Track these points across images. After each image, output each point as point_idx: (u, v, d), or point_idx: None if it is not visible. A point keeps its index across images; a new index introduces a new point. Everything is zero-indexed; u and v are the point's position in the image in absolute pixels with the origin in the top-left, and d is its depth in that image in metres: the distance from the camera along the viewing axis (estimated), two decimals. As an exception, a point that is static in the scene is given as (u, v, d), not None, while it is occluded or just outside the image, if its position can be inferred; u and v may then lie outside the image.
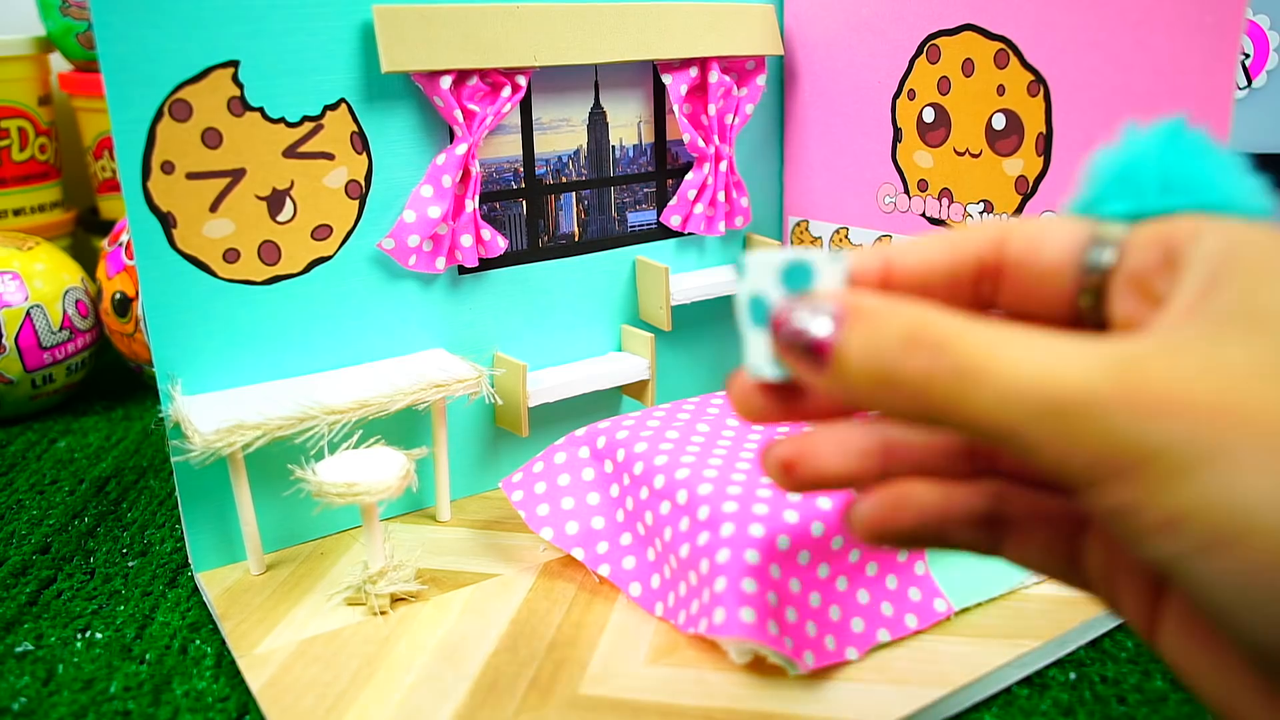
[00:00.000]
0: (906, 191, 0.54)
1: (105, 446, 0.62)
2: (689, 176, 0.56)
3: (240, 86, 0.42)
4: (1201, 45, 0.40)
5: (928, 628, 0.39)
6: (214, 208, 0.43)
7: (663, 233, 0.57)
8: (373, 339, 0.48)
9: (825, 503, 0.39)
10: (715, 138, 0.55)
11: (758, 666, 0.37)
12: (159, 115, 0.41)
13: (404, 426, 0.49)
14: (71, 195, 0.93)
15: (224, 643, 0.40)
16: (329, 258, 0.46)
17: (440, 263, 0.48)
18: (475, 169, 0.48)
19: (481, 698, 0.36)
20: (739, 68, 0.56)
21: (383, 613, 0.41)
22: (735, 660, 0.37)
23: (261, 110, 0.43)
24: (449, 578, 0.44)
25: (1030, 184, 0.48)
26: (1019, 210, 0.48)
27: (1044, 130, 0.47)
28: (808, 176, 0.59)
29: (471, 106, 0.47)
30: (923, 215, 0.53)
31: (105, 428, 0.65)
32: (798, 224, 0.61)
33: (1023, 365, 0.18)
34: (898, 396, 0.20)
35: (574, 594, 0.42)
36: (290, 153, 0.44)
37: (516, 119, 0.50)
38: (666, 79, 0.53)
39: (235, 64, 0.42)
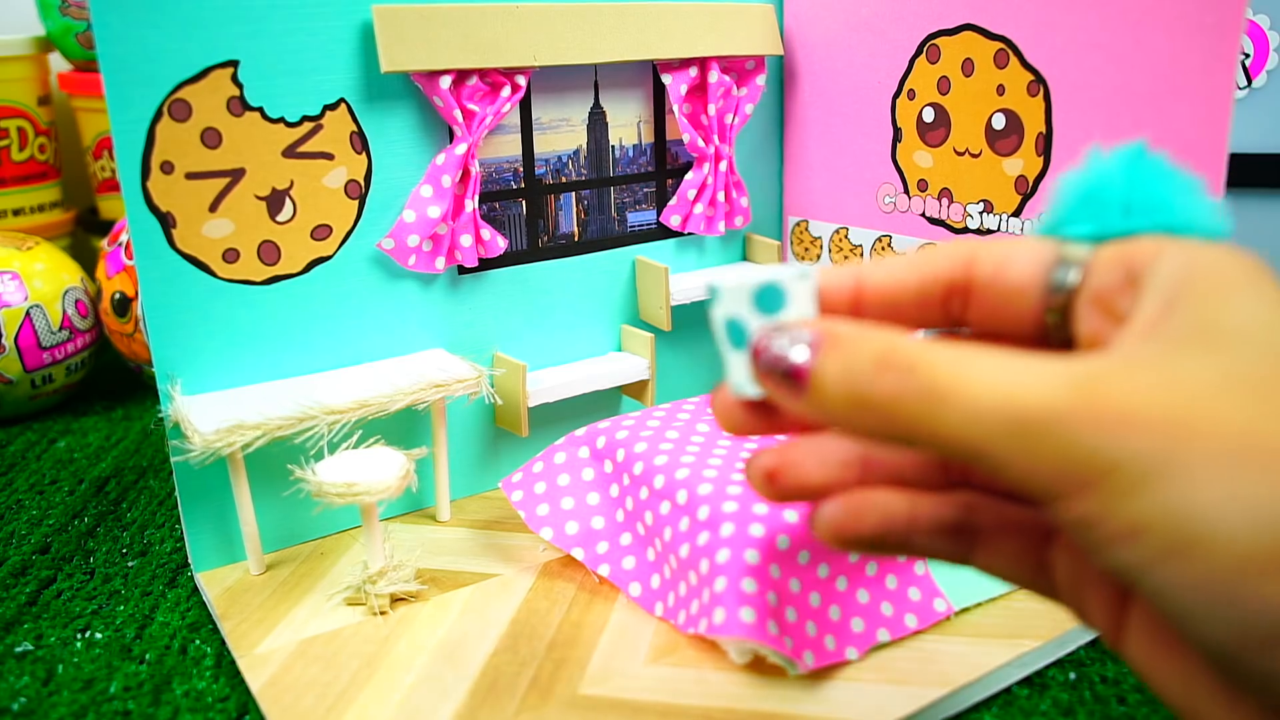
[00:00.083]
0: (906, 191, 0.54)
1: (105, 446, 0.62)
2: (689, 176, 0.56)
3: (240, 86, 0.42)
4: (1201, 45, 0.40)
5: (928, 627, 0.39)
6: (213, 208, 0.43)
7: (662, 233, 0.57)
8: (372, 339, 0.48)
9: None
10: (715, 138, 0.55)
11: (758, 666, 0.37)
12: (158, 115, 0.41)
13: (404, 426, 0.49)
14: (71, 195, 0.93)
15: (224, 643, 0.40)
16: (329, 258, 0.46)
17: (440, 263, 0.48)
18: (475, 169, 0.48)
19: (481, 698, 0.36)
20: (739, 68, 0.56)
21: (383, 613, 0.41)
22: (735, 660, 0.37)
23: (261, 110, 0.43)
24: (449, 578, 0.44)
25: (1030, 184, 0.48)
26: (1019, 210, 0.48)
27: (1044, 130, 0.47)
28: (807, 176, 0.59)
29: (471, 106, 0.47)
30: (922, 215, 0.53)
31: (105, 428, 0.65)
32: (797, 224, 0.61)
33: (988, 384, 0.19)
34: (871, 418, 0.21)
35: (574, 594, 0.42)
36: (290, 153, 0.44)
37: (516, 119, 0.50)
38: (666, 79, 0.53)
39: (235, 64, 0.42)
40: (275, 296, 0.45)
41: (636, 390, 0.56)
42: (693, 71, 0.54)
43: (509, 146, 0.51)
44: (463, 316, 0.50)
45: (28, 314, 0.63)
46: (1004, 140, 0.48)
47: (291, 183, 0.44)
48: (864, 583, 0.39)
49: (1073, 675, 0.38)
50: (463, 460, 0.52)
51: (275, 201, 0.44)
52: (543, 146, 0.52)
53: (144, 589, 0.45)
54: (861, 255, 0.57)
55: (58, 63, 0.89)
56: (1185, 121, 0.41)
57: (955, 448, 0.20)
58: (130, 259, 0.64)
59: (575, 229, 0.54)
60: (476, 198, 0.48)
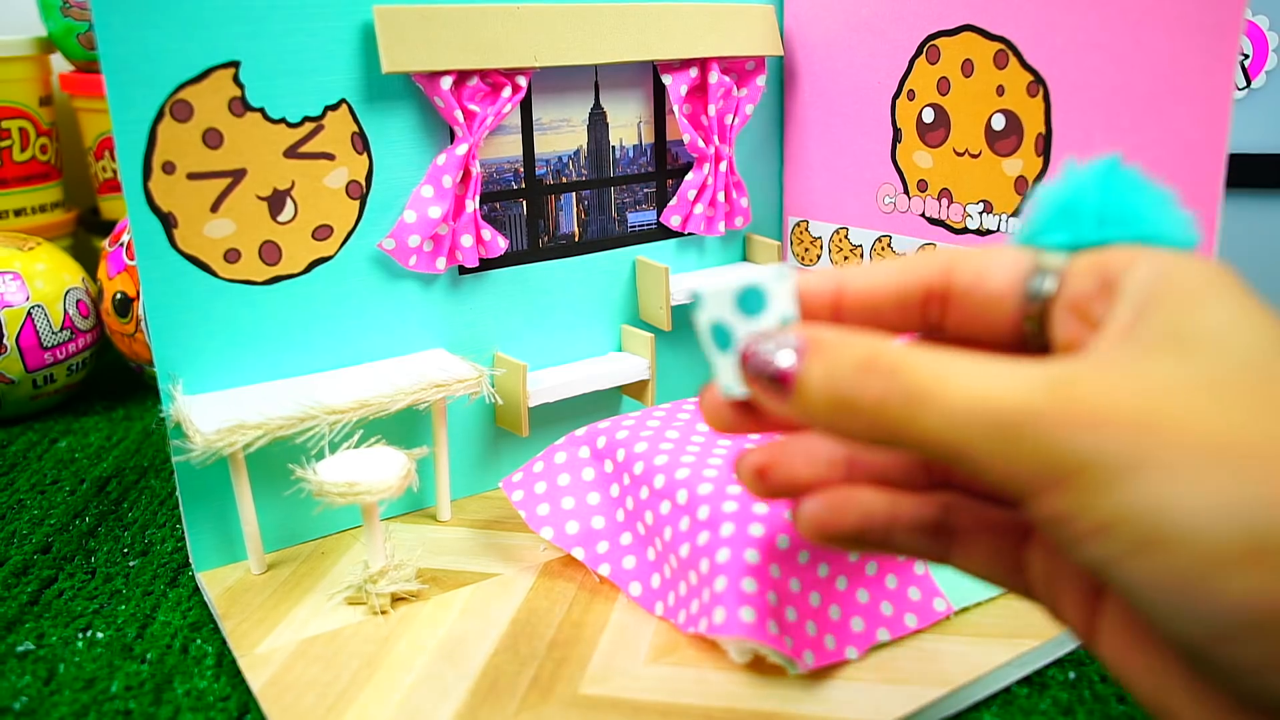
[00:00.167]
0: (906, 192, 0.54)
1: (106, 446, 0.62)
2: (689, 177, 0.56)
3: (241, 87, 0.42)
4: (1201, 45, 0.40)
5: (927, 627, 0.39)
6: (215, 208, 0.43)
7: (663, 233, 0.57)
8: (373, 339, 0.48)
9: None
10: (715, 138, 0.55)
11: (758, 666, 0.37)
12: (160, 115, 0.41)
13: (404, 426, 0.49)
14: (72, 195, 0.93)
15: (225, 642, 0.40)
16: (330, 258, 0.46)
17: (441, 263, 0.48)
18: (475, 169, 0.48)
19: (482, 697, 0.36)
20: (739, 68, 0.56)
21: (383, 612, 0.41)
22: (735, 659, 0.37)
23: (262, 111, 0.43)
24: (449, 577, 0.44)
25: (1030, 184, 0.48)
26: (1019, 210, 0.49)
27: (1043, 130, 0.47)
28: (807, 177, 0.60)
29: (472, 107, 0.47)
30: (922, 215, 0.53)
31: (106, 427, 0.65)
32: (797, 224, 0.61)
33: (967, 386, 0.20)
34: (855, 420, 0.21)
35: (574, 593, 0.42)
36: (291, 153, 0.44)
37: (517, 119, 0.50)
38: (666, 79, 0.53)
39: (236, 64, 0.42)
40: (276, 296, 0.45)
41: (636, 390, 0.56)
42: (693, 72, 0.54)
43: (510, 147, 0.51)
44: (463, 316, 0.50)
45: (29, 314, 0.64)
46: (1004, 141, 0.49)
47: (293, 183, 0.44)
48: (864, 582, 0.39)
49: (1072, 675, 0.38)
50: (463, 460, 0.52)
51: (276, 202, 0.44)
52: (543, 147, 0.52)
53: (145, 588, 0.45)
54: (861, 255, 0.57)
55: (59, 63, 0.89)
56: (1185, 122, 0.41)
57: (936, 448, 0.20)
58: (131, 259, 0.64)
59: (576, 229, 0.54)
60: (477, 198, 0.48)
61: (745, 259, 0.61)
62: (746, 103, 0.56)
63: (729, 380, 0.24)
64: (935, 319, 0.24)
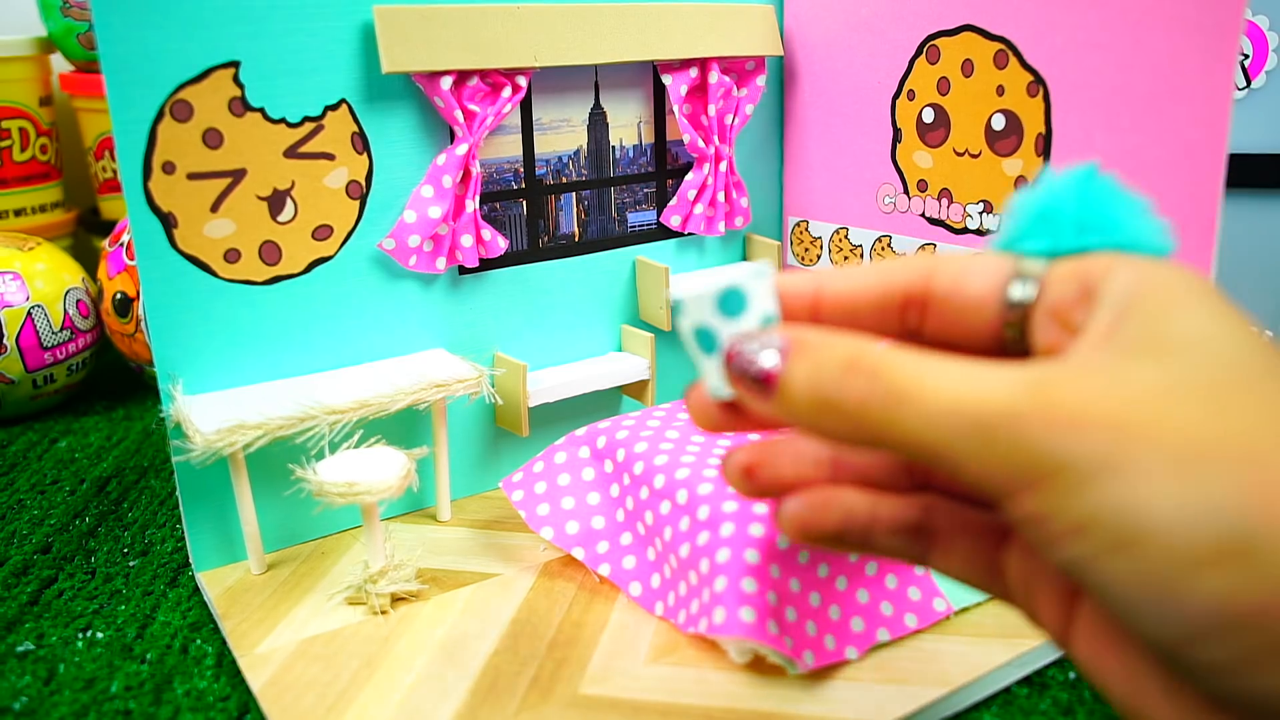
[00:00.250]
0: (906, 192, 0.54)
1: (106, 446, 0.62)
2: (689, 177, 0.56)
3: (241, 87, 0.42)
4: (1201, 45, 0.40)
5: (927, 627, 0.39)
6: (215, 208, 0.43)
7: (663, 233, 0.57)
8: (373, 339, 0.48)
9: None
10: (715, 138, 0.55)
11: (758, 666, 0.37)
12: (160, 116, 0.41)
13: (404, 426, 0.49)
14: (72, 195, 0.93)
15: (225, 642, 0.40)
16: (330, 258, 0.46)
17: (441, 263, 0.48)
18: (475, 169, 0.48)
19: (482, 697, 0.36)
20: (739, 68, 0.56)
21: (383, 612, 0.41)
22: (735, 660, 0.37)
23: (262, 111, 0.43)
24: (449, 577, 0.44)
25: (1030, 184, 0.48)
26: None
27: (1043, 130, 0.47)
28: (807, 177, 0.60)
29: (472, 107, 0.47)
30: (922, 215, 0.53)
31: (106, 428, 0.65)
32: (797, 224, 0.61)
33: (947, 387, 0.20)
34: (838, 420, 0.21)
35: (574, 593, 0.42)
36: (291, 153, 0.44)
37: (517, 119, 0.50)
38: (666, 79, 0.53)
39: (236, 64, 0.42)
40: (276, 296, 0.45)
41: (636, 390, 0.56)
42: (693, 72, 0.54)
43: (510, 147, 0.51)
44: (463, 316, 0.50)
45: (29, 314, 0.64)
46: (1004, 141, 0.49)
47: (293, 183, 0.44)
48: (864, 582, 0.39)
49: (1072, 675, 0.38)
50: (463, 460, 0.52)
51: (276, 202, 0.44)
52: (543, 147, 0.52)
53: (145, 588, 0.45)
54: (861, 256, 0.57)
55: (59, 63, 0.89)
56: (1185, 122, 0.41)
57: (916, 448, 0.20)
58: (132, 259, 0.64)
59: (576, 229, 0.54)
60: (477, 198, 0.48)
61: (745, 259, 0.61)
62: (746, 103, 0.56)
63: (715, 382, 0.24)
64: (914, 324, 0.25)
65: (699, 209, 0.56)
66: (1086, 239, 0.23)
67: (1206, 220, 0.41)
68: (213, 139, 0.42)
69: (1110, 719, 0.36)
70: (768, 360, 0.23)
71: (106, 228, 0.84)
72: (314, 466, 0.40)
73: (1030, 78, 0.47)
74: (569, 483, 0.45)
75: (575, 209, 0.53)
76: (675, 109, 0.53)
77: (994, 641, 0.38)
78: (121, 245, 0.66)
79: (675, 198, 0.56)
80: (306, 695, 0.36)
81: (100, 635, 0.42)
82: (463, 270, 0.50)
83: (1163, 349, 0.19)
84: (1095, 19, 0.44)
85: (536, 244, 0.52)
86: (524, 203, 0.52)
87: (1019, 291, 0.23)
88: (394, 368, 0.47)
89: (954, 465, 0.20)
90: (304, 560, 0.46)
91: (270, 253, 0.44)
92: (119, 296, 0.65)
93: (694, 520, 0.39)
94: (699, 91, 0.55)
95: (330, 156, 0.45)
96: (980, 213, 0.50)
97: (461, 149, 0.47)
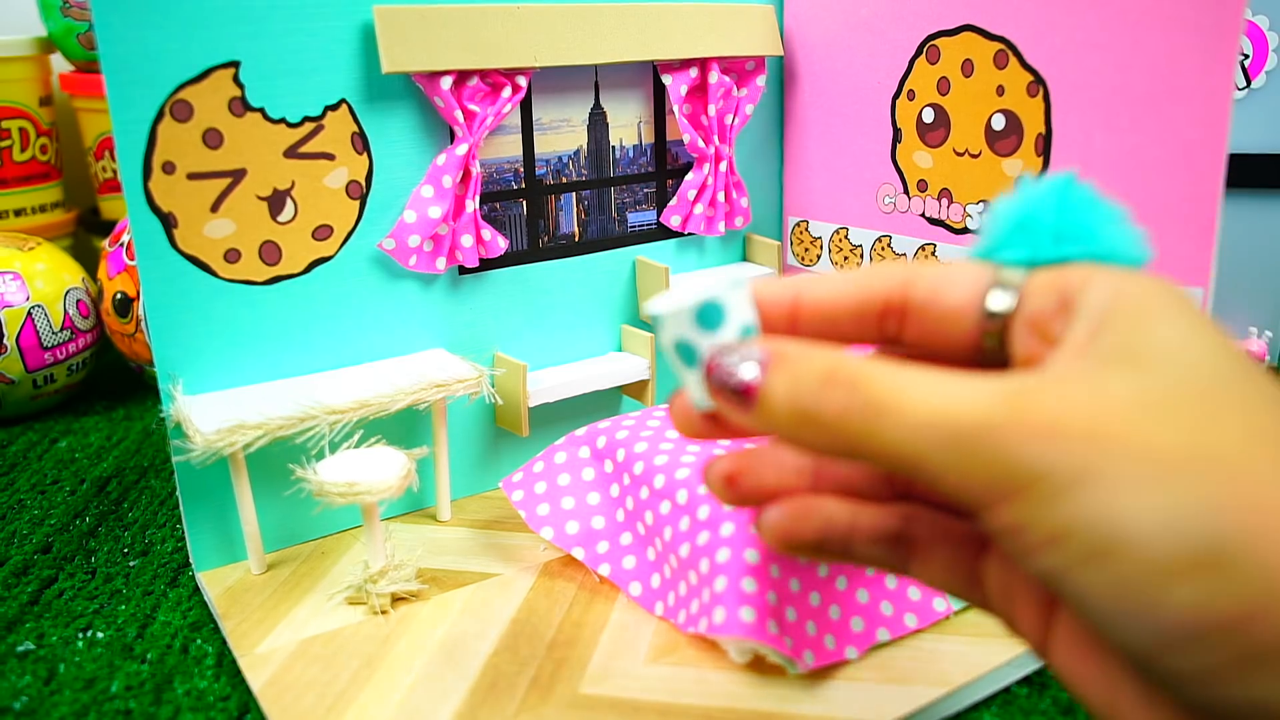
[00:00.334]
0: (906, 192, 0.54)
1: (106, 446, 0.62)
2: (689, 177, 0.56)
3: (241, 87, 0.42)
4: (1201, 45, 0.40)
5: (927, 627, 0.39)
6: (215, 208, 0.43)
7: (663, 233, 0.57)
8: (373, 339, 0.48)
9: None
10: (715, 138, 0.55)
11: (757, 666, 0.37)
12: (160, 116, 0.41)
13: (404, 426, 0.49)
14: (72, 196, 0.93)
15: (225, 642, 0.40)
16: (330, 258, 0.46)
17: (441, 263, 0.48)
18: (475, 169, 0.48)
19: (481, 697, 0.36)
20: (739, 68, 0.56)
21: (383, 612, 0.41)
22: (735, 659, 0.37)
23: (262, 111, 0.43)
24: (449, 577, 0.44)
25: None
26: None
27: (1043, 130, 0.47)
28: (807, 177, 0.60)
29: (472, 107, 0.47)
30: (922, 215, 0.53)
31: (106, 428, 0.65)
32: (797, 224, 0.61)
33: (926, 398, 0.20)
34: (818, 432, 0.22)
35: (574, 593, 0.42)
36: (291, 153, 0.44)
37: (517, 119, 0.50)
38: (666, 79, 0.53)
39: (236, 64, 0.42)
40: (276, 296, 0.45)
41: (636, 390, 0.56)
42: (693, 72, 0.54)
43: (510, 147, 0.51)
44: (463, 316, 0.50)
45: (29, 314, 0.64)
46: (1004, 141, 0.49)
47: (293, 183, 0.44)
48: (864, 582, 0.39)
49: (1072, 675, 0.38)
50: (463, 460, 0.52)
51: (276, 202, 0.44)
52: (543, 147, 0.52)
53: (145, 588, 0.45)
54: (861, 256, 0.57)
55: (59, 63, 0.89)
56: (1185, 122, 0.41)
57: (895, 460, 0.21)
58: (132, 259, 0.64)
59: (576, 229, 0.54)
60: (477, 198, 0.48)
61: (745, 259, 0.61)
62: (746, 103, 0.56)
63: (697, 393, 0.25)
64: (893, 331, 0.25)
65: (699, 209, 0.56)
66: (1064, 249, 0.23)
67: (1206, 220, 0.41)
68: (213, 139, 0.42)
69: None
70: (747, 372, 0.23)
71: (106, 228, 0.84)
72: (314, 466, 0.40)
73: (1030, 78, 0.47)
74: (569, 483, 0.45)
75: (575, 209, 0.53)
76: (675, 109, 0.53)
77: (994, 641, 0.38)
78: (121, 245, 0.66)
79: (675, 198, 0.56)
80: (306, 695, 0.36)
81: (100, 635, 0.42)
82: (463, 270, 0.50)
83: (1138, 361, 0.20)
84: (1095, 19, 0.44)
85: (536, 244, 0.52)
86: (524, 203, 0.52)
87: (998, 302, 0.23)
88: (394, 368, 0.47)
89: (932, 476, 0.20)
90: (304, 560, 0.46)
91: (270, 253, 0.44)
92: (119, 296, 0.65)
93: (694, 520, 0.39)
94: (699, 91, 0.55)
95: (330, 156, 0.45)
96: (980, 213, 0.50)
97: (461, 149, 0.47)
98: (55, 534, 0.51)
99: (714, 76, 0.54)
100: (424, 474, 0.48)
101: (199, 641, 0.41)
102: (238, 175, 0.43)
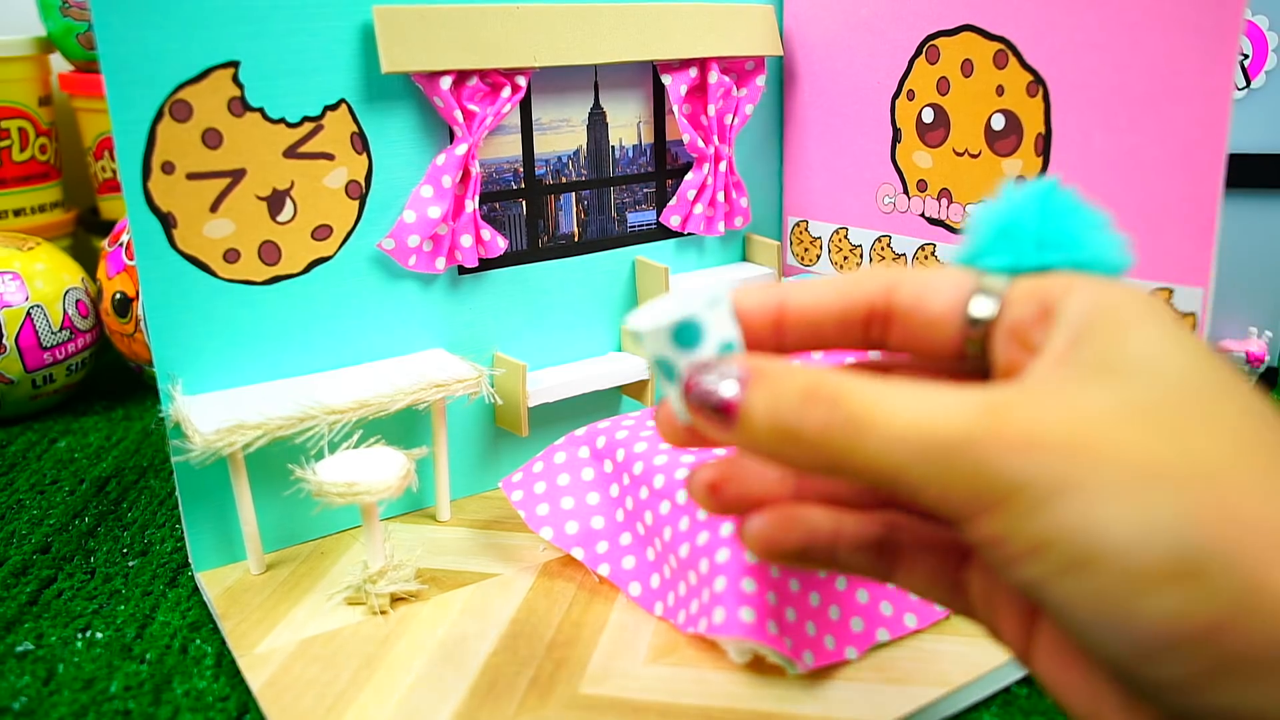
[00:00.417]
0: (906, 192, 0.54)
1: (105, 446, 0.62)
2: (688, 177, 0.56)
3: (240, 87, 0.42)
4: (1200, 45, 0.40)
5: (927, 627, 0.39)
6: (214, 208, 0.43)
7: (662, 233, 0.57)
8: (373, 339, 0.48)
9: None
10: (715, 138, 0.55)
11: (757, 666, 0.37)
12: (159, 115, 0.41)
13: (404, 426, 0.49)
14: (72, 195, 0.93)
15: (224, 642, 0.40)
16: (329, 258, 0.46)
17: (440, 263, 0.48)
18: (475, 169, 0.48)
19: (481, 697, 0.36)
20: (738, 68, 0.56)
21: (383, 612, 0.41)
22: (735, 660, 0.37)
23: (262, 111, 0.43)
24: (449, 577, 0.44)
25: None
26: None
27: (1043, 130, 0.47)
28: (807, 177, 0.60)
29: (471, 107, 0.47)
30: (922, 215, 0.53)
31: (105, 428, 0.65)
32: (797, 224, 0.61)
33: (905, 412, 0.20)
34: (799, 449, 0.21)
35: (574, 594, 0.42)
36: (290, 153, 0.44)
37: (516, 119, 0.50)
38: (666, 79, 0.53)
39: (235, 64, 0.42)
40: (276, 296, 0.45)
41: (636, 390, 0.56)
42: (692, 72, 0.54)
43: (509, 147, 0.51)
44: (463, 316, 0.50)
45: (29, 314, 0.64)
46: (1003, 141, 0.48)
47: (292, 183, 0.44)
48: (863, 583, 0.39)
49: (1072, 675, 0.38)
50: (463, 460, 0.52)
51: (276, 202, 0.44)
52: (543, 147, 0.52)
53: (144, 588, 0.45)
54: (861, 256, 0.57)
55: (59, 63, 0.89)
56: (1184, 122, 0.41)
57: (877, 475, 0.21)
58: (131, 259, 0.64)
59: (575, 229, 0.54)
60: (477, 198, 0.48)
61: (745, 259, 0.61)
62: (746, 103, 0.56)
63: (679, 407, 0.24)
64: (878, 338, 0.25)
65: (699, 209, 0.56)
66: (1046, 256, 0.23)
67: (1206, 220, 0.41)
68: (212, 139, 0.42)
69: None
70: (727, 390, 0.22)
71: (106, 228, 0.84)
72: (313, 466, 0.40)
73: (1030, 78, 0.47)
74: (568, 483, 0.45)
75: (575, 209, 0.53)
76: (675, 109, 0.53)
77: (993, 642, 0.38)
78: (121, 245, 0.66)
79: (675, 198, 0.56)
80: (306, 695, 0.36)
81: (99, 635, 0.42)
82: (462, 270, 0.50)
83: (1116, 372, 0.20)
84: (1095, 19, 0.44)
85: (536, 244, 0.52)
86: (523, 203, 0.52)
87: (979, 309, 0.23)
88: (393, 368, 0.47)
89: (914, 490, 0.20)
90: (303, 560, 0.46)
91: (270, 253, 0.44)
92: (118, 296, 0.65)
93: (694, 520, 0.39)
94: (698, 91, 0.55)
95: (330, 156, 0.45)
96: (980, 213, 0.50)
97: (461, 149, 0.47)
98: (54, 534, 0.51)
99: (714, 76, 0.54)
100: (423, 474, 0.48)
101: (198, 642, 0.41)
102: (237, 175, 0.43)
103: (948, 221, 0.52)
